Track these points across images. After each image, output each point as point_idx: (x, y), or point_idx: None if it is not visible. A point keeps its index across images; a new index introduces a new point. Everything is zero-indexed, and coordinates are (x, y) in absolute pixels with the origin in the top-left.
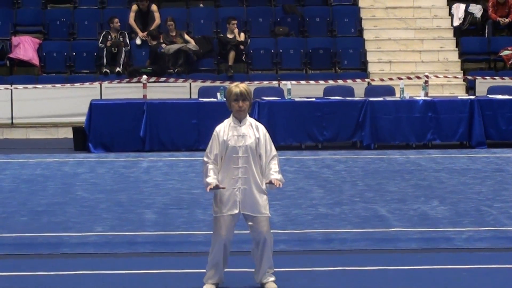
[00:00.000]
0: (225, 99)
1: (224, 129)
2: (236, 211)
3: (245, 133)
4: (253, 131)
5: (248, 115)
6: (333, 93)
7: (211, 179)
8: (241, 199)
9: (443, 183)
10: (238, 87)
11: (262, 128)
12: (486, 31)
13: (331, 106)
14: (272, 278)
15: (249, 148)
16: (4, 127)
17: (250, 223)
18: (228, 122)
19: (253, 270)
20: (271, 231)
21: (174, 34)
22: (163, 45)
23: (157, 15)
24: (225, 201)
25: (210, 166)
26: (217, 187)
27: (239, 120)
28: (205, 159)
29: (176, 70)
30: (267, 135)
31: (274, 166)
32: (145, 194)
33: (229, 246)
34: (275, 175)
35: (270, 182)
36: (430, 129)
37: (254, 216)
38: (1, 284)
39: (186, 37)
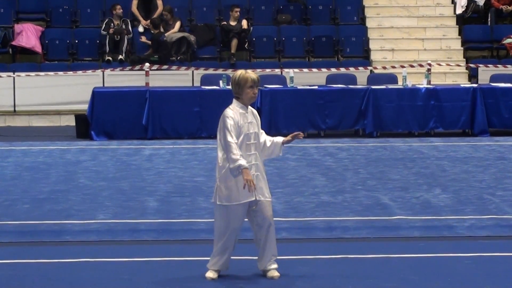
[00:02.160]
0: (228, 87)
1: (236, 116)
2: (253, 198)
3: (251, 120)
4: (254, 117)
5: None
6: (336, 81)
7: (245, 162)
8: (256, 185)
9: (445, 171)
10: (252, 73)
11: (256, 112)
12: (489, 19)
13: (334, 94)
14: (275, 266)
15: (256, 134)
16: (7, 115)
17: (254, 208)
18: (236, 109)
19: (256, 258)
20: (274, 218)
21: (171, 23)
22: (166, 34)
23: (159, 2)
24: (242, 189)
25: (239, 151)
26: (251, 182)
27: (246, 107)
28: (229, 139)
29: (178, 58)
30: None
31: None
32: (148, 181)
33: (238, 233)
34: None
35: (293, 138)
36: (433, 117)
37: (261, 201)
38: (4, 272)
39: (178, 25)
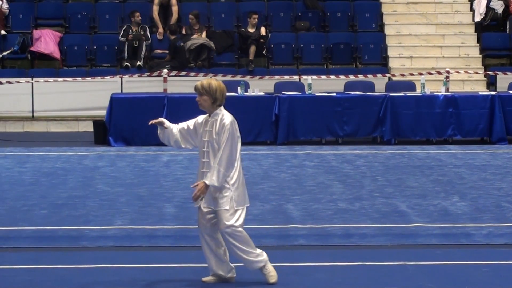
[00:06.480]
0: (246, 93)
1: (202, 120)
2: (197, 205)
3: (210, 127)
4: (216, 126)
5: (221, 110)
6: (354, 88)
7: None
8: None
9: (463, 178)
10: (200, 81)
11: (224, 123)
12: (508, 27)
13: (352, 101)
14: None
15: (209, 143)
16: (25, 120)
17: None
18: (206, 115)
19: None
20: (291, 225)
21: (196, 28)
22: (185, 42)
23: (175, 9)
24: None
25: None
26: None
27: (209, 114)
28: None
29: (196, 64)
30: (225, 133)
31: (212, 169)
32: (165, 188)
33: (209, 239)
34: (206, 179)
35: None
36: (451, 124)
37: (215, 209)
38: (22, 277)
39: (204, 34)
